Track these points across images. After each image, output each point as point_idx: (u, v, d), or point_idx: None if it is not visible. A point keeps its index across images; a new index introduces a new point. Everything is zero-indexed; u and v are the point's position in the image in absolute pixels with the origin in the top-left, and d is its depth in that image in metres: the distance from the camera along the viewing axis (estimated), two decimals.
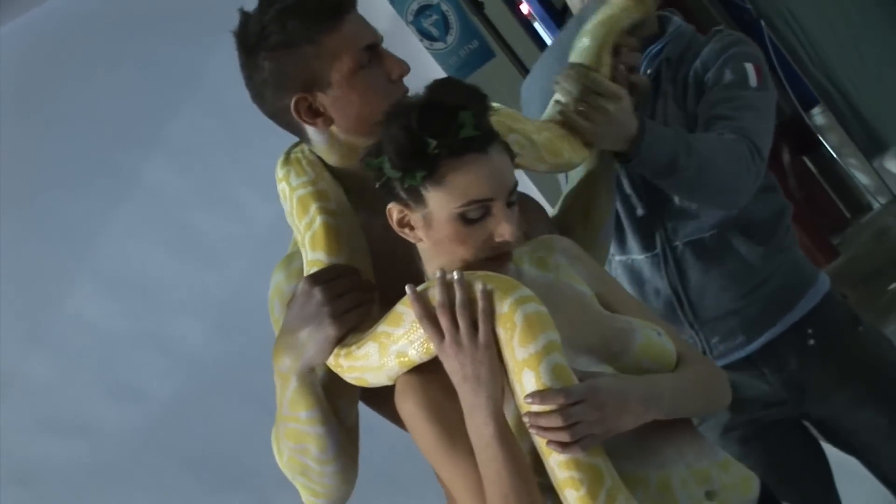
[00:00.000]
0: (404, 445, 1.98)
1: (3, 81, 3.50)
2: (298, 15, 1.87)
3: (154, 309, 3.58)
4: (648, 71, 2.49)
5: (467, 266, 1.71)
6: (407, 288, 1.67)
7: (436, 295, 1.64)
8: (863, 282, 6.47)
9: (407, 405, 1.73)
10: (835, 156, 7.02)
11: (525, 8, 6.92)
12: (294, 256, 1.98)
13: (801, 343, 2.53)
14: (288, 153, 1.99)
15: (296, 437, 1.89)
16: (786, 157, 7.24)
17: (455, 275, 1.64)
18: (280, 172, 1.99)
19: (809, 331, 2.52)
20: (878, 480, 2.63)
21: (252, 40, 1.89)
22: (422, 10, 5.41)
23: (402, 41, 4.54)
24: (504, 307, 1.62)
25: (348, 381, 1.82)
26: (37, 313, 3.46)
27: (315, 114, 1.91)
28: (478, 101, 1.72)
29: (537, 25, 6.76)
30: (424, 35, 5.22)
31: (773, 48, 6.22)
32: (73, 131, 3.60)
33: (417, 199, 1.71)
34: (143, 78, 3.70)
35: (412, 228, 1.74)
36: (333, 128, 1.91)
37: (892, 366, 2.58)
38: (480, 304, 1.62)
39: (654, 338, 1.80)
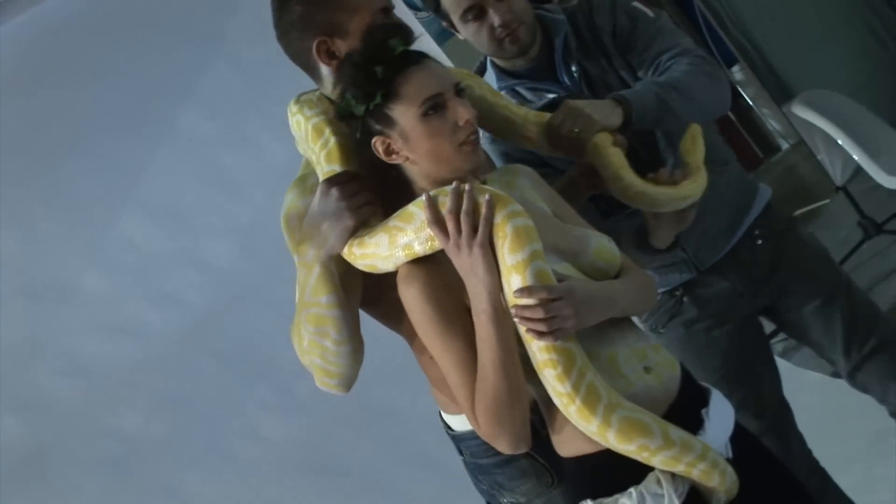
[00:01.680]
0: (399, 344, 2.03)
1: (58, 43, 3.48)
2: None
3: (189, 231, 3.58)
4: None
5: (452, 165, 1.77)
6: (425, 194, 1.70)
7: (447, 202, 1.67)
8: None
9: (410, 290, 1.74)
10: (751, 104, 7.03)
11: None
12: (307, 177, 1.99)
13: (752, 244, 2.53)
14: (298, 97, 2.00)
15: (316, 321, 1.88)
16: None
17: (466, 186, 1.67)
18: (294, 108, 1.98)
19: (757, 232, 2.52)
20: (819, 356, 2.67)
21: (279, 3, 1.94)
22: None
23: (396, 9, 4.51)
24: (498, 219, 1.66)
25: (360, 268, 1.84)
26: (94, 235, 3.45)
27: (331, 56, 1.94)
28: (402, 31, 1.78)
29: None
30: (411, 6, 5.19)
31: (701, 16, 6.22)
32: (119, 86, 3.58)
33: (388, 121, 1.76)
34: (176, 39, 3.68)
35: (397, 152, 1.78)
36: None
37: (821, 254, 2.61)
38: (483, 211, 1.65)
39: (605, 243, 1.85)
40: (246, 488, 3.49)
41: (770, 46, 5.46)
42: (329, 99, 1.96)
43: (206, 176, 3.65)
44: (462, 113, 1.75)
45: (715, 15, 5.47)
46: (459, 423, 2.04)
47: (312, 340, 1.90)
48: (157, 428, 3.43)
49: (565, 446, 1.78)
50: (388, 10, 1.94)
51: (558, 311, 1.62)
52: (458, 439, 2.07)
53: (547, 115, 2.10)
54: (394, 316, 1.92)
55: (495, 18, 2.26)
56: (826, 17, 5.67)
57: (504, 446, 1.73)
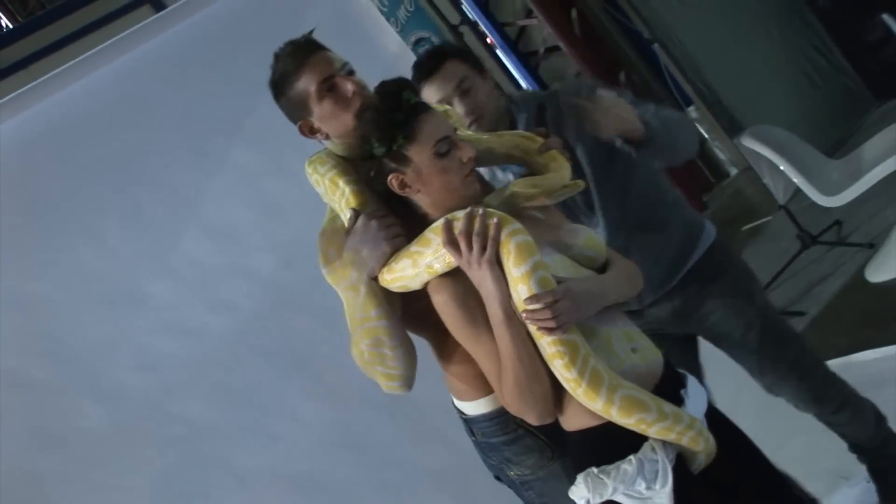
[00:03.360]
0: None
1: (135, 90, 3.51)
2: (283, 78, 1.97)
3: (239, 248, 3.58)
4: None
5: (459, 194, 1.81)
6: (443, 219, 1.74)
7: (459, 226, 1.70)
8: (724, 225, 6.51)
9: (440, 297, 1.78)
10: (706, 137, 7.07)
11: (490, 40, 6.96)
12: (335, 219, 2.00)
13: (685, 287, 2.51)
14: (309, 159, 2.04)
15: (370, 334, 1.89)
16: None
17: (480, 210, 1.71)
18: (309, 169, 2.02)
19: (692, 277, 2.50)
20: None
21: (272, 91, 2.01)
22: (419, 41, 5.45)
23: (405, 63, 4.52)
24: (502, 237, 1.69)
25: (394, 290, 1.86)
26: (161, 252, 3.45)
27: (313, 131, 1.99)
28: (409, 85, 1.82)
29: (498, 52, 6.78)
30: None
31: (664, 65, 6.26)
32: (182, 127, 3.60)
33: (404, 160, 1.79)
34: (228, 87, 3.69)
35: (410, 186, 1.81)
36: (332, 137, 1.97)
37: (744, 292, 2.57)
38: (492, 232, 1.69)
39: (592, 235, 1.91)
40: (287, 462, 3.49)
41: (721, 88, 5.49)
42: (333, 155, 2.00)
43: (252, 201, 3.66)
44: (466, 152, 1.81)
45: (675, 62, 5.50)
46: (471, 408, 2.04)
47: (371, 352, 1.90)
48: (213, 413, 3.43)
49: (571, 421, 1.81)
50: (331, 76, 1.94)
51: (561, 309, 1.66)
52: (470, 422, 2.07)
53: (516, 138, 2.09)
54: (418, 323, 1.94)
55: (460, 108, 2.28)
56: (768, 62, 5.70)
57: (532, 419, 1.77)
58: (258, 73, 3.64)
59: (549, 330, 1.67)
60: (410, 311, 1.92)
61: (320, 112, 1.94)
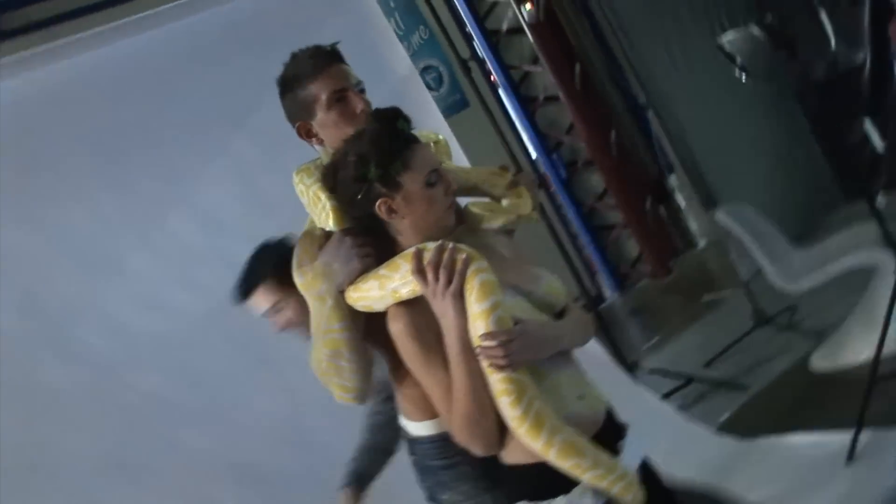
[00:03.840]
0: None
1: (150, 68, 3.49)
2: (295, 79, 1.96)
3: (224, 234, 3.55)
4: None
5: (439, 224, 1.80)
6: (414, 248, 1.73)
7: (428, 256, 1.69)
8: (685, 292, 6.56)
9: (397, 326, 1.76)
10: (681, 207, 7.12)
11: (494, 78, 6.98)
12: (315, 228, 1.96)
13: None
14: (298, 168, 2.00)
15: (332, 345, 1.86)
16: (648, 203, 7.33)
17: (450, 244, 1.71)
18: (296, 178, 1.98)
19: None
20: None
21: (279, 92, 2.00)
22: (426, 68, 5.43)
23: (415, 86, 4.53)
24: (468, 273, 1.68)
25: (358, 308, 1.84)
26: (146, 225, 3.43)
27: (309, 134, 1.99)
28: (402, 115, 1.81)
29: (500, 91, 6.80)
30: (427, 85, 5.23)
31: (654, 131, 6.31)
32: (191, 109, 3.59)
33: (395, 186, 1.77)
34: (239, 78, 3.67)
35: (396, 211, 1.79)
36: (326, 144, 1.96)
37: None
38: (459, 266, 1.68)
39: (554, 281, 1.89)
40: (233, 450, 3.44)
41: (705, 162, 5.51)
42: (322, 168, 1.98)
43: (244, 192, 3.65)
44: (449, 184, 1.81)
45: (665, 130, 5.51)
46: (416, 428, 2.02)
47: (330, 362, 1.88)
48: (170, 390, 3.39)
49: (511, 456, 1.79)
50: (344, 90, 1.94)
51: (514, 349, 1.66)
52: (413, 441, 2.05)
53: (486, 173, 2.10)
54: (378, 339, 1.90)
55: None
56: (752, 145, 5.73)
57: (478, 450, 1.76)
58: (270, 71, 3.65)
59: (500, 367, 1.66)
60: (372, 327, 1.89)
61: (324, 119, 1.93)
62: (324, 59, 1.94)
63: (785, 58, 3.46)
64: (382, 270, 1.78)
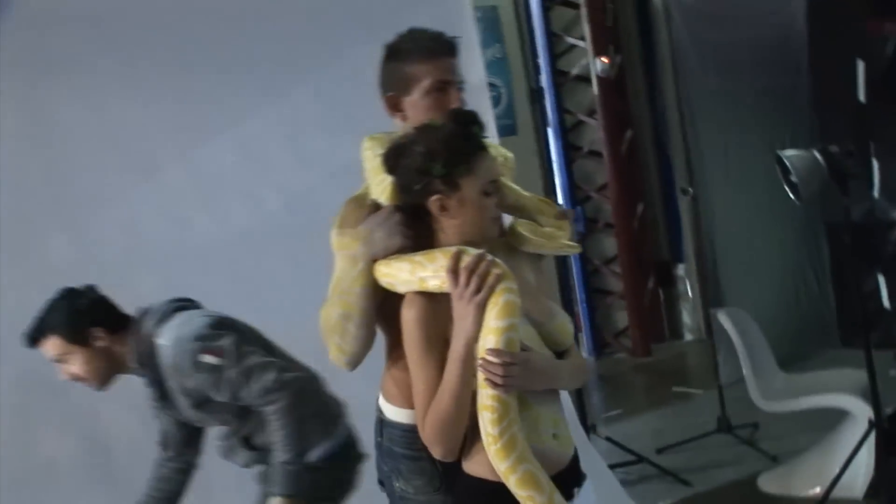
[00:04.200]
0: None
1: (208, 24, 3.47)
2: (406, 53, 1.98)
3: (258, 173, 3.54)
4: None
5: (482, 233, 1.84)
6: (456, 248, 1.78)
7: (467, 260, 1.74)
8: (657, 377, 6.62)
9: (410, 312, 1.81)
10: (687, 292, 7.17)
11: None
12: (366, 196, 2.00)
13: None
14: (372, 136, 2.03)
15: (346, 306, 1.89)
16: (650, 284, 7.40)
17: (489, 256, 1.76)
18: (367, 144, 2.02)
19: None
20: None
21: (384, 55, 2.02)
22: (490, 85, 5.46)
23: (481, 99, 4.55)
24: (497, 289, 1.74)
25: (382, 283, 1.88)
26: (195, 146, 3.41)
27: (395, 108, 2.02)
28: (478, 120, 1.85)
29: (549, 129, 6.84)
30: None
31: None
32: (258, 50, 3.56)
33: (454, 187, 1.81)
34: (313, 33, 3.67)
35: (447, 210, 1.83)
36: (407, 123, 1.98)
37: None
38: (490, 280, 1.73)
39: (566, 322, 1.95)
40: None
41: (721, 261, 5.57)
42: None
43: (289, 142, 3.62)
44: (503, 199, 1.89)
45: (694, 217, 5.53)
46: (392, 412, 2.04)
47: (338, 321, 1.91)
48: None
49: (473, 467, 1.84)
50: (447, 83, 1.97)
51: (513, 373, 1.71)
52: (385, 424, 2.06)
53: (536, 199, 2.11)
54: (386, 318, 1.94)
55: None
56: (771, 260, 5.82)
57: (437, 453, 1.82)
58: (348, 39, 3.65)
59: (494, 385, 1.71)
60: (386, 305, 1.92)
61: (418, 102, 1.96)
62: (442, 47, 1.97)
63: (836, 190, 3.51)
64: (418, 257, 1.82)
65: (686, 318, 7.56)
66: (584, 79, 7.49)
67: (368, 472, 2.20)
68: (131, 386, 2.60)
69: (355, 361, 1.96)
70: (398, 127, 2.03)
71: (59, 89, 3.12)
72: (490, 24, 6.67)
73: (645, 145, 7.56)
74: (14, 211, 3.01)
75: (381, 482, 2.14)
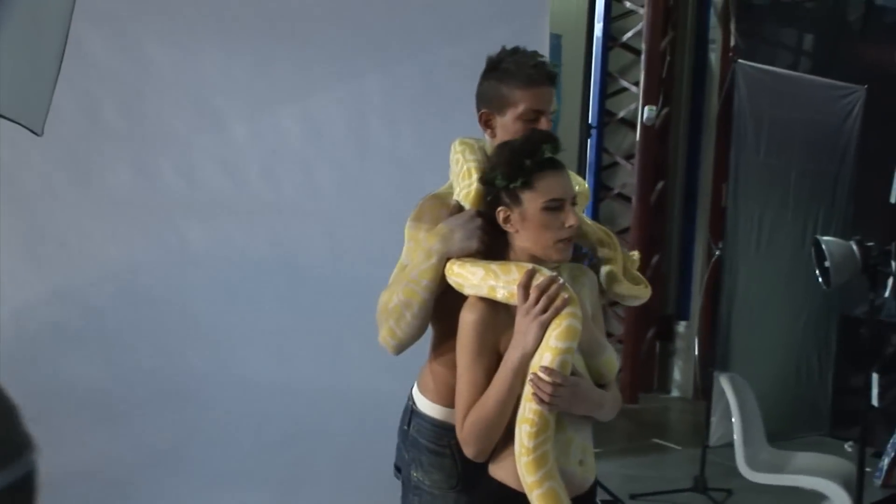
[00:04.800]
0: None
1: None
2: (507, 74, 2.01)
3: (319, 151, 3.58)
4: None
5: (546, 253, 1.87)
6: (531, 265, 1.84)
7: (539, 279, 1.80)
8: (640, 425, 6.67)
9: (470, 315, 1.87)
10: (696, 354, 7.22)
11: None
12: (449, 194, 2.06)
13: None
14: (463, 139, 2.09)
15: (409, 294, 1.94)
16: (650, 334, 7.47)
17: (561, 280, 1.82)
18: (458, 147, 2.06)
19: None
20: None
21: (486, 67, 2.06)
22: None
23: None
24: (564, 312, 1.80)
25: (450, 280, 1.93)
26: (262, 111, 3.45)
27: (487, 125, 2.06)
28: (554, 140, 1.88)
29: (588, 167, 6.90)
30: None
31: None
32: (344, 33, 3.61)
33: (516, 200, 1.87)
34: (397, 27, 3.72)
35: (511, 223, 1.89)
36: (495, 140, 2.03)
37: None
38: (558, 303, 1.79)
39: (613, 358, 2.00)
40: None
41: (735, 326, 5.61)
42: (484, 151, 2.05)
43: (354, 132, 3.66)
44: (570, 219, 1.86)
45: (712, 275, 5.59)
46: (426, 406, 2.07)
47: (397, 306, 1.94)
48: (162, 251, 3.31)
49: (499, 472, 1.89)
50: (539, 112, 1.99)
51: (560, 393, 1.77)
52: (414, 414, 2.09)
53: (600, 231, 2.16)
54: (441, 315, 1.99)
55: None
56: (780, 337, 5.87)
57: (470, 453, 1.88)
58: (417, 36, 3.70)
59: (540, 401, 1.77)
60: (441, 302, 1.97)
61: (509, 124, 2.00)
62: (543, 77, 2.00)
63: (862, 283, 3.58)
64: (494, 266, 1.87)
65: (677, 374, 7.64)
66: (629, 123, 7.58)
67: (387, 457, 2.22)
68: None
69: (403, 347, 2.01)
70: (488, 142, 2.07)
71: (151, 30, 3.16)
72: (553, 52, 6.73)
73: (674, 199, 7.65)
74: (85, 135, 3.05)
75: (397, 468, 2.18)
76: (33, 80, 1.92)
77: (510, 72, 2.00)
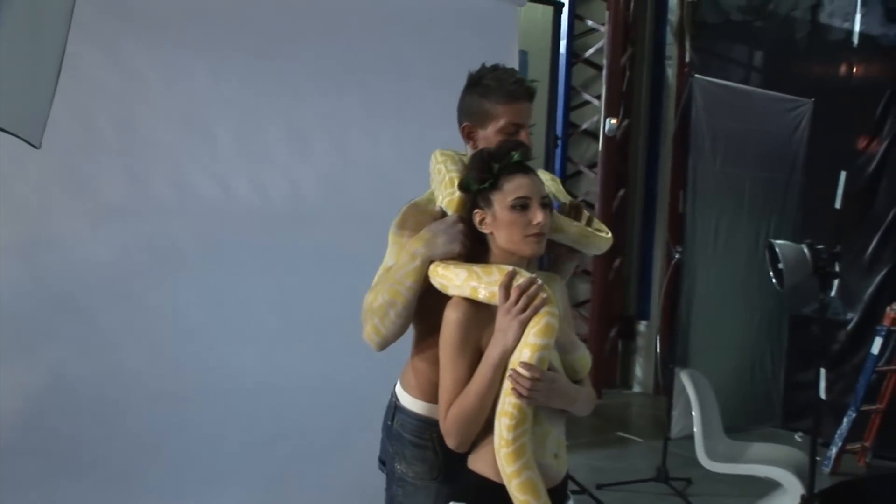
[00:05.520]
0: None
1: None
2: (489, 90, 2.04)
3: (304, 160, 3.59)
4: None
5: (517, 248, 1.90)
6: (512, 267, 1.87)
7: (520, 280, 1.83)
8: (604, 420, 6.71)
9: (453, 314, 1.89)
10: (658, 352, 7.28)
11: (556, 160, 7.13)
12: (430, 202, 2.08)
13: None
14: (443, 150, 2.11)
15: (394, 294, 1.95)
16: (612, 333, 7.53)
17: (538, 279, 1.84)
18: (439, 157, 2.09)
19: None
20: None
21: (467, 83, 2.09)
22: None
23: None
24: (542, 311, 1.82)
25: (434, 282, 1.95)
26: (249, 123, 3.46)
27: (469, 137, 2.09)
28: (523, 148, 1.93)
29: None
30: None
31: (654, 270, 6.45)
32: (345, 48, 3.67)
33: (488, 202, 1.91)
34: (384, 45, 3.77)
35: (486, 224, 1.93)
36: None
37: None
38: (537, 301, 1.82)
39: (587, 355, 2.04)
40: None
41: (695, 321, 5.67)
42: (464, 162, 2.07)
43: (337, 143, 3.68)
44: (537, 216, 1.89)
45: (675, 272, 5.63)
46: (409, 402, 2.08)
47: (382, 305, 1.96)
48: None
49: (478, 463, 1.92)
50: (519, 126, 2.03)
51: (538, 388, 1.80)
52: (399, 410, 2.10)
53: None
54: (423, 314, 2.01)
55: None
56: (735, 334, 5.93)
57: (452, 443, 1.90)
58: (394, 51, 3.74)
59: (519, 395, 1.80)
60: (422, 302, 1.99)
61: (491, 137, 2.03)
62: (522, 93, 2.03)
63: (812, 284, 3.65)
64: (476, 268, 1.90)
65: (638, 371, 7.71)
66: (591, 133, 7.64)
67: (371, 451, 2.23)
68: None
69: (385, 343, 2.02)
70: (466, 148, 2.11)
71: (142, 46, 3.16)
72: (521, 68, 6.77)
73: (634, 205, 7.72)
74: (81, 147, 3.04)
75: (381, 461, 2.19)
76: (32, 95, 1.92)
77: (491, 87, 2.02)
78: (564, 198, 2.19)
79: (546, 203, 1.91)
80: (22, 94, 1.87)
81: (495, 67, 2.06)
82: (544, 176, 2.12)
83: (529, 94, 2.05)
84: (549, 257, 2.18)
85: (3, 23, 1.72)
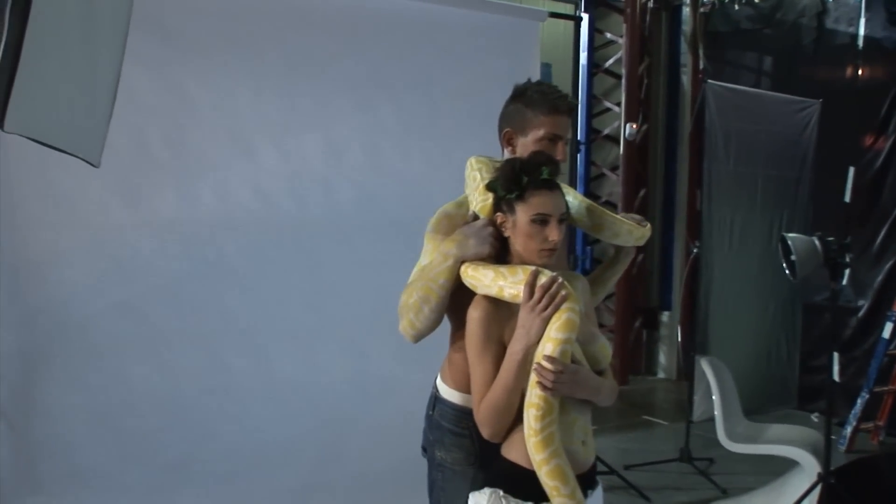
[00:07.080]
0: None
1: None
2: (533, 101, 2.00)
3: (337, 171, 3.56)
4: None
5: (530, 259, 1.85)
6: (535, 267, 1.82)
7: (543, 279, 1.77)
8: (630, 405, 6.61)
9: (476, 312, 1.85)
10: (679, 340, 7.15)
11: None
12: (461, 206, 2.04)
13: None
14: (479, 157, 2.07)
15: (427, 290, 1.92)
16: (637, 324, 7.41)
17: (559, 278, 1.78)
18: (475, 164, 2.05)
19: None
20: None
21: (513, 93, 2.05)
22: None
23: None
24: (563, 307, 1.76)
25: (465, 281, 1.90)
26: (289, 134, 3.44)
27: (509, 143, 2.05)
28: (554, 164, 1.87)
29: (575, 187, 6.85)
30: None
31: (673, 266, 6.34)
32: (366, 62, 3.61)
33: (511, 209, 1.86)
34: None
35: (506, 229, 1.88)
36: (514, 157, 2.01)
37: None
38: (558, 299, 1.76)
39: (606, 344, 1.97)
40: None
41: (713, 313, 5.57)
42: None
43: (369, 152, 3.64)
44: (552, 233, 1.84)
45: (691, 268, 5.53)
46: (447, 392, 2.05)
47: (417, 301, 1.93)
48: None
49: (511, 452, 1.86)
50: (558, 137, 1.99)
51: (562, 380, 1.74)
52: (438, 401, 2.07)
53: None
54: (456, 309, 1.97)
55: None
56: (751, 322, 5.81)
57: (486, 434, 1.85)
58: (426, 69, 3.68)
59: (544, 387, 1.74)
60: (455, 299, 1.95)
61: (529, 144, 2.00)
62: (564, 107, 2.00)
63: (824, 275, 3.53)
64: (503, 269, 1.85)
65: (662, 358, 7.57)
66: (613, 139, 7.53)
67: (415, 440, 2.18)
68: None
69: (420, 336, 1.99)
70: (503, 153, 2.07)
71: (190, 70, 3.16)
72: (544, 79, 6.68)
73: (654, 204, 7.59)
74: (135, 165, 3.04)
75: (424, 448, 2.15)
76: (91, 120, 1.90)
77: (536, 99, 1.99)
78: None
79: (563, 219, 1.87)
80: (83, 119, 1.86)
81: (541, 82, 2.04)
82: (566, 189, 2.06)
83: (570, 109, 2.02)
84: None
85: (64, 54, 1.70)
